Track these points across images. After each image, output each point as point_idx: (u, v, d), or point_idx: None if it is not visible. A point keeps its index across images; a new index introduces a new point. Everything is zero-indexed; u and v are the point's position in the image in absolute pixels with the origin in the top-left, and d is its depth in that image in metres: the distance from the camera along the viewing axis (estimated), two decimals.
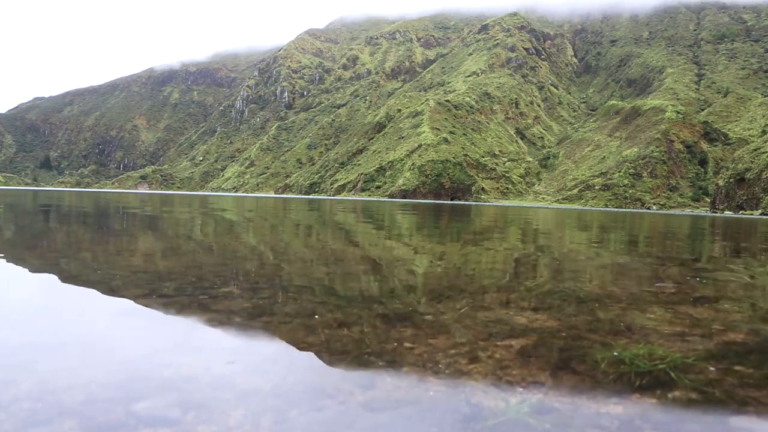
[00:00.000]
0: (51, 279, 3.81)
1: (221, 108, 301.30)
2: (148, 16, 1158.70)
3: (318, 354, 2.19)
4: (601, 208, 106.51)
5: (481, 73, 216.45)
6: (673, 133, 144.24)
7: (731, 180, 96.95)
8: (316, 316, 2.84)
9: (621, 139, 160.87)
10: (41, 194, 48.45)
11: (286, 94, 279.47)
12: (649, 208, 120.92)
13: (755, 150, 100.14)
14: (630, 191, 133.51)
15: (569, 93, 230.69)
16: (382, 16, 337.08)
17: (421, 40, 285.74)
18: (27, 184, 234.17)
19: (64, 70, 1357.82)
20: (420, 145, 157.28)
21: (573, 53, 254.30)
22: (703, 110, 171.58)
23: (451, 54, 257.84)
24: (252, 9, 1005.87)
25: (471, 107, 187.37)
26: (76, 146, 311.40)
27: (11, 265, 4.49)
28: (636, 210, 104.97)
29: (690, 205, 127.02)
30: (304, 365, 2.07)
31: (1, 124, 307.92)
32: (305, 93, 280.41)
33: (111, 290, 3.39)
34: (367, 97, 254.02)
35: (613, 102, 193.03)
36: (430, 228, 13.26)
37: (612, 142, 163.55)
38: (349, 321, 2.76)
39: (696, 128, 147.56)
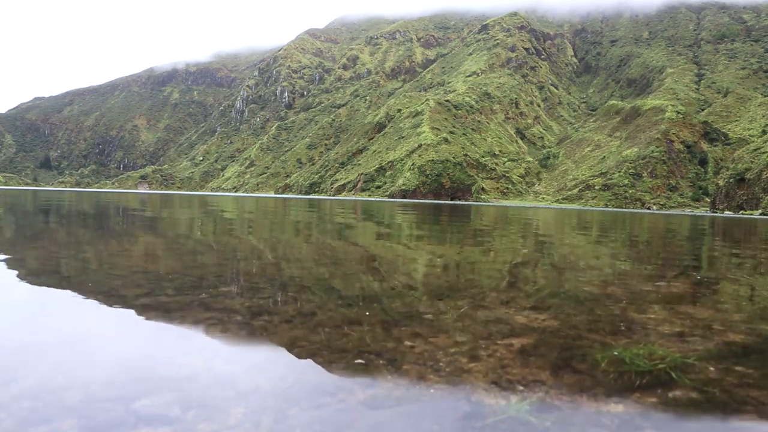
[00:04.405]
0: (51, 279, 3.81)
1: (221, 108, 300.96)
2: (148, 16, 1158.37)
3: (318, 352, 2.18)
4: (601, 208, 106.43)
5: (481, 73, 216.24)
6: (673, 133, 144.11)
7: (731, 180, 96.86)
8: (316, 315, 2.84)
9: (621, 139, 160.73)
10: (41, 194, 48.39)
11: (286, 94, 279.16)
12: (649, 208, 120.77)
13: (755, 150, 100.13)
14: (630, 191, 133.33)
15: (569, 93, 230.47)
16: (382, 16, 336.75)
17: (421, 40, 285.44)
18: (27, 184, 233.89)
19: (64, 70, 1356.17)
20: (420, 145, 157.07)
21: (573, 53, 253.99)
22: (703, 110, 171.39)
23: (451, 54, 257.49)
24: (252, 9, 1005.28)
25: (471, 107, 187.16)
26: (76, 146, 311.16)
27: (12, 265, 4.48)
28: (636, 210, 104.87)
29: (690, 205, 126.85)
30: (304, 364, 2.07)
31: (1, 124, 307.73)
32: (305, 93, 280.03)
33: (111, 290, 3.39)
34: (367, 97, 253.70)
35: (613, 102, 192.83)
36: (430, 228, 13.24)
37: (612, 142, 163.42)
38: (350, 320, 2.75)
39: (696, 128, 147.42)
